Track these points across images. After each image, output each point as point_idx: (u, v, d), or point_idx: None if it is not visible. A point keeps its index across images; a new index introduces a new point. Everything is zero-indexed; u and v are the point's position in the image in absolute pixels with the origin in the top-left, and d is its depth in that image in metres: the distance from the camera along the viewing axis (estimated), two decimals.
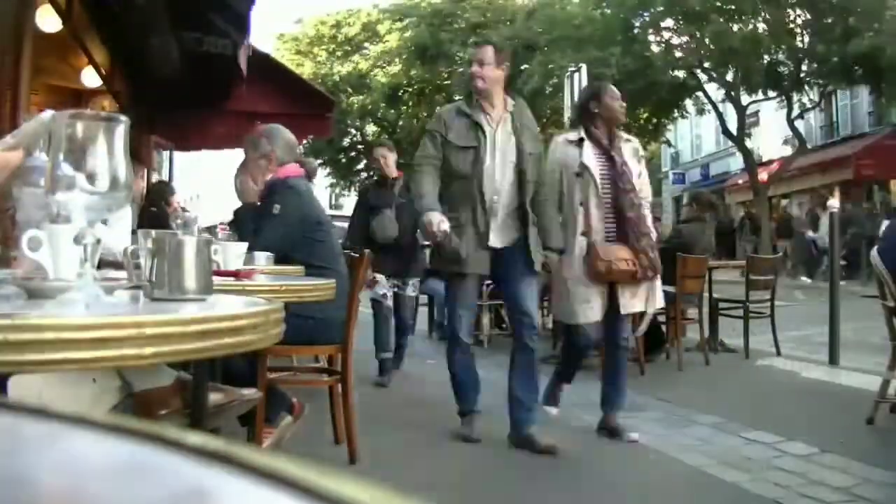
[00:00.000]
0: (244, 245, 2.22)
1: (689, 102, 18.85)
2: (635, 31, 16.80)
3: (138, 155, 6.51)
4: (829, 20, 14.75)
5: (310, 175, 3.47)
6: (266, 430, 2.87)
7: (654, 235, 3.48)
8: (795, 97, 16.89)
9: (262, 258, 2.49)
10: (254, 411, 2.82)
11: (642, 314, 3.52)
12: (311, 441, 3.11)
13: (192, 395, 2.34)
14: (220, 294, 1.25)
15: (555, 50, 16.13)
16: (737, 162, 21.71)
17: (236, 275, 1.82)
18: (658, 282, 3.44)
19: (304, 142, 18.59)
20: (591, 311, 3.32)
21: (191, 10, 4.91)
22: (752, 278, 5.71)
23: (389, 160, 4.93)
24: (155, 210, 5.59)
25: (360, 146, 27.25)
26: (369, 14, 25.25)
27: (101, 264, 1.28)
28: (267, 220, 2.97)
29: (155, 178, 8.01)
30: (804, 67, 16.04)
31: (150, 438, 0.30)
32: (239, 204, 3.29)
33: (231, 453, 0.28)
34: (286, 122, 3.45)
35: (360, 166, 28.46)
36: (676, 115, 19.75)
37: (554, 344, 6.10)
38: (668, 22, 16.81)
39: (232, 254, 2.07)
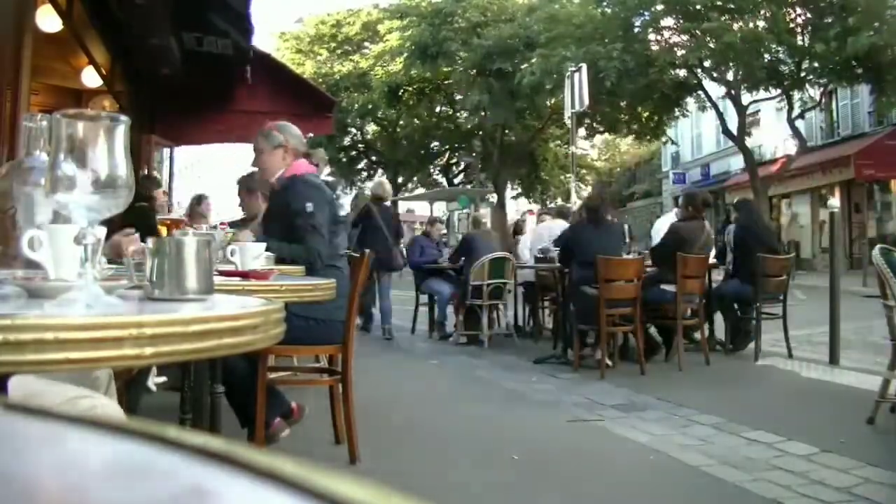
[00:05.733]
0: (262, 245, 2.16)
1: (689, 101, 18.83)
2: (636, 29, 16.78)
3: (138, 155, 6.51)
4: (830, 19, 14.73)
5: (319, 167, 3.47)
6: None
7: None
8: (796, 96, 16.87)
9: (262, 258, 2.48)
10: (253, 411, 2.83)
11: None
12: (311, 441, 3.11)
13: (191, 396, 2.34)
14: (220, 294, 1.25)
15: (555, 47, 16.11)
16: (737, 161, 21.69)
17: (252, 276, 1.81)
18: None
19: (305, 139, 18.56)
20: None
21: (191, 9, 4.91)
22: (763, 279, 5.60)
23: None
24: (144, 205, 5.57)
25: (360, 145, 27.24)
26: (369, 13, 25.26)
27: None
28: (302, 223, 2.93)
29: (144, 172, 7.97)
30: (804, 66, 16.02)
31: (150, 438, 0.30)
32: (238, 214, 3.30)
33: (231, 453, 0.28)
34: (287, 121, 3.46)
35: (361, 165, 28.45)
36: (677, 113, 19.72)
37: (554, 344, 6.11)
38: (669, 20, 16.78)
39: (249, 255, 2.03)
